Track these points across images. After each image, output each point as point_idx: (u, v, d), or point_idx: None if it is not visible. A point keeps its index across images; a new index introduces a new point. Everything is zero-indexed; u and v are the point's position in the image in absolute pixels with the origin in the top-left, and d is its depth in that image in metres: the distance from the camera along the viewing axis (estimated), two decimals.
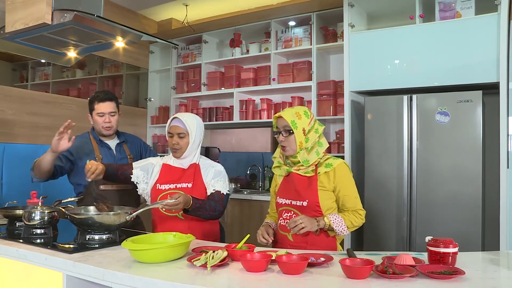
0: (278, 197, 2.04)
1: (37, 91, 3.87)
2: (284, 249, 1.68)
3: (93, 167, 2.07)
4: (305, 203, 1.92)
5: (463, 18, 3.03)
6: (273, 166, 2.10)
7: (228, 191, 2.18)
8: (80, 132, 2.58)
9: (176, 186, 2.14)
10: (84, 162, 2.41)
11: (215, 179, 2.16)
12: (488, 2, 2.93)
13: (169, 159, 2.22)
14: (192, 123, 2.15)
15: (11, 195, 3.17)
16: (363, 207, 1.99)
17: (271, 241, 1.96)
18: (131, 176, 2.20)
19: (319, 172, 1.94)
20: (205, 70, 4.58)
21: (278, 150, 2.05)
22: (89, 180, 2.09)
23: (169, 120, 2.18)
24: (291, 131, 1.91)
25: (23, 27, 2.25)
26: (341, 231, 1.88)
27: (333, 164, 1.94)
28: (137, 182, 2.20)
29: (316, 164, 1.96)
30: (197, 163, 2.20)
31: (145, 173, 2.20)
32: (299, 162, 1.95)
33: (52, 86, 4.06)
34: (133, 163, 2.25)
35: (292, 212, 1.96)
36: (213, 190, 2.13)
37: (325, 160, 1.97)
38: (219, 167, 2.22)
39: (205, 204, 2.04)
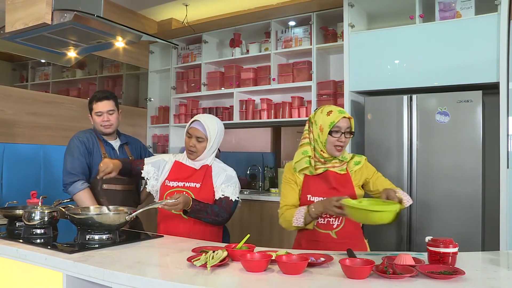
0: (311, 196, 1.98)
1: (37, 91, 3.87)
2: (284, 249, 1.68)
3: (105, 166, 2.10)
4: None
5: (463, 18, 3.03)
6: (303, 167, 1.97)
7: (238, 197, 2.14)
8: None
9: (184, 184, 2.12)
10: (93, 158, 2.42)
11: (226, 184, 2.12)
12: (488, 2, 2.93)
13: (183, 158, 2.21)
14: (213, 129, 2.13)
15: (11, 195, 3.16)
16: None
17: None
18: (142, 171, 2.19)
19: (351, 170, 2.01)
20: (205, 70, 4.57)
21: (309, 148, 1.98)
22: (98, 177, 2.14)
23: (190, 120, 2.17)
24: (352, 133, 1.98)
25: (23, 27, 2.25)
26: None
27: (361, 162, 2.03)
28: (147, 178, 2.19)
29: (346, 162, 2.02)
30: (209, 164, 2.17)
31: (156, 169, 2.19)
32: (333, 159, 1.99)
33: (52, 86, 4.06)
34: (145, 159, 2.25)
35: None
36: (222, 195, 2.09)
37: (351, 158, 2.04)
38: (230, 172, 2.19)
39: (207, 207, 2.01)
